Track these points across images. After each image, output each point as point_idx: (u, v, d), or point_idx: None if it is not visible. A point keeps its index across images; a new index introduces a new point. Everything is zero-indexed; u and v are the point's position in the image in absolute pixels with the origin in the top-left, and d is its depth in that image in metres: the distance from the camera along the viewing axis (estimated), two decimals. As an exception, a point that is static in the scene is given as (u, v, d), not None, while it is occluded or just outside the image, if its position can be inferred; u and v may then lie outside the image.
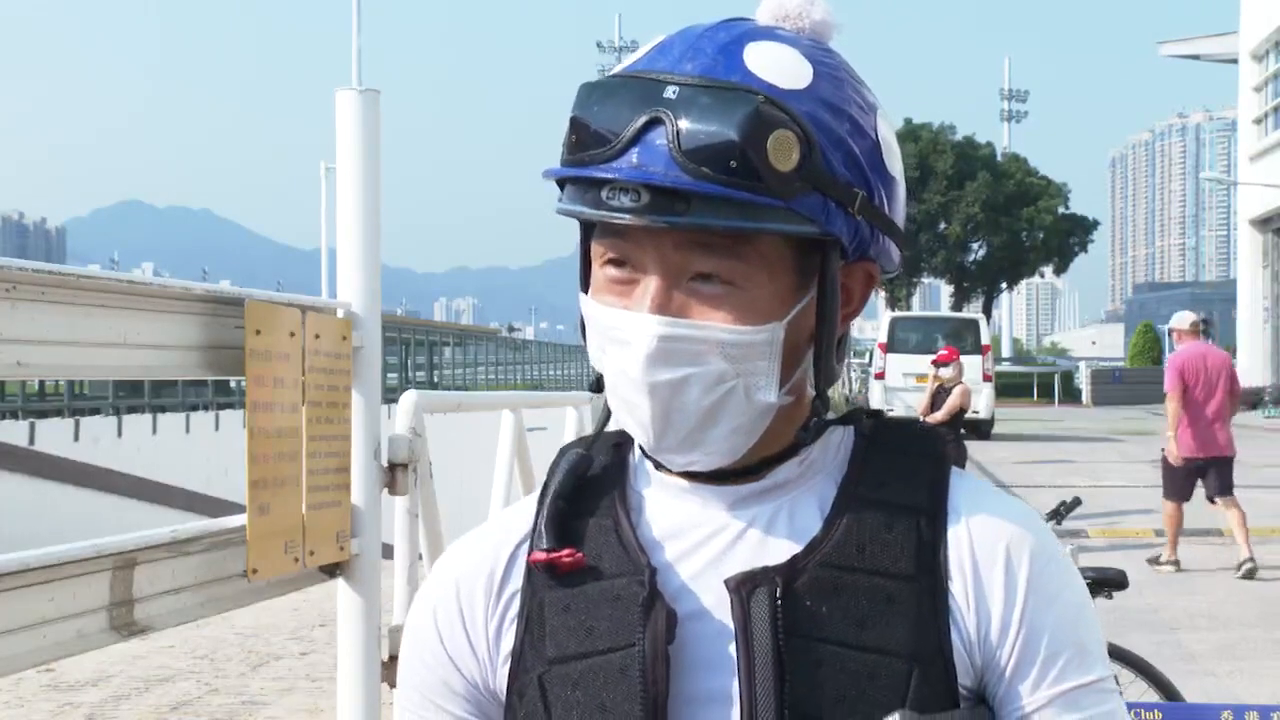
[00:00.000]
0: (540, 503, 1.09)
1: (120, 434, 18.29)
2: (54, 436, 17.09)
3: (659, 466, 1.08)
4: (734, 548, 1.04)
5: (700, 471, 1.04)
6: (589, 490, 1.09)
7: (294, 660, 6.55)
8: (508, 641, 1.07)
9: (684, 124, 0.95)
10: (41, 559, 2.02)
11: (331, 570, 2.83)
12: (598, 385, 1.09)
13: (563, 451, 1.12)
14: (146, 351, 2.23)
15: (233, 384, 19.81)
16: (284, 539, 2.53)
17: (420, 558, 3.51)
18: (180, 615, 2.41)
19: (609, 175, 0.97)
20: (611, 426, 1.12)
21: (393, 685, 3.12)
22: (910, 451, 1.08)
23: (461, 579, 1.11)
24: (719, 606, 1.01)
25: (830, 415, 1.09)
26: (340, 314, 2.84)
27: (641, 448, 1.10)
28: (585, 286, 1.06)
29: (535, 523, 1.08)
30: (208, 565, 2.44)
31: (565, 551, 1.04)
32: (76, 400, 21.11)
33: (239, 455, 2.46)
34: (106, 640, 2.20)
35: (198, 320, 2.35)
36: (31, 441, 16.58)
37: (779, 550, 1.03)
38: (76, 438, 17.24)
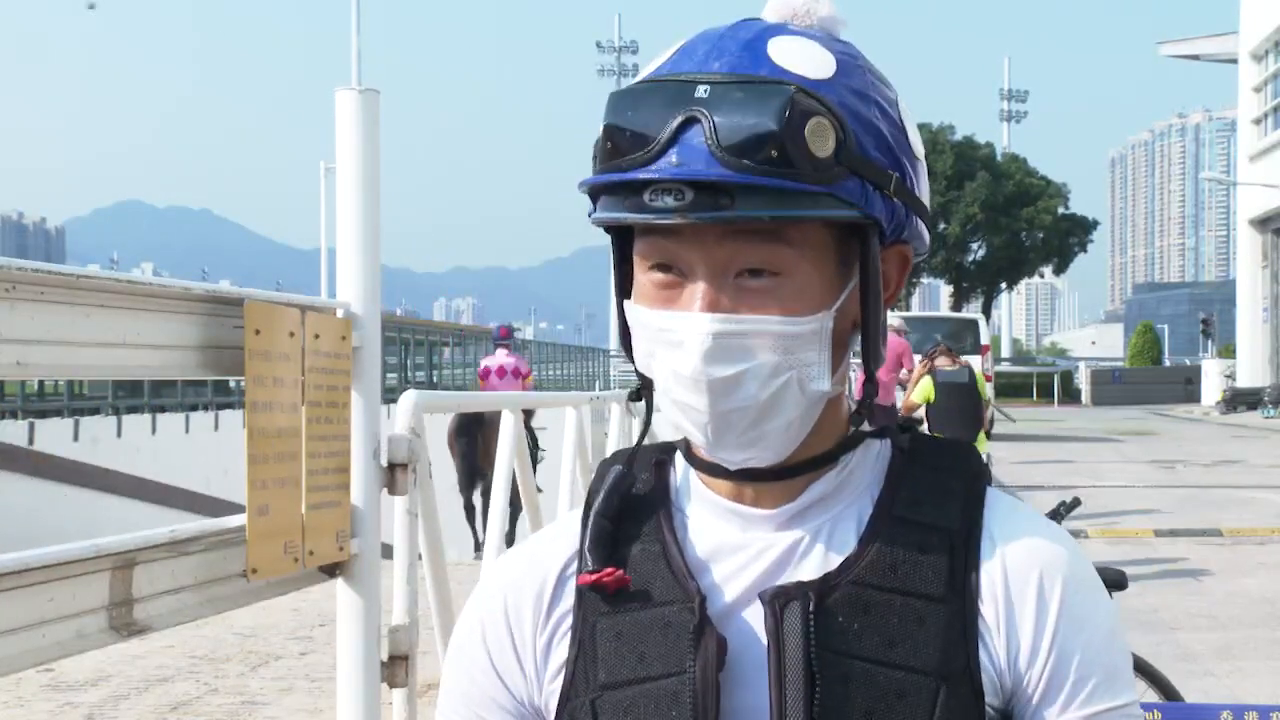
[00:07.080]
0: (584, 521, 1.09)
1: (120, 434, 18.25)
2: (54, 436, 17.05)
3: (710, 471, 1.08)
4: (776, 568, 1.05)
5: (754, 469, 1.05)
6: (632, 510, 1.10)
7: (294, 660, 6.54)
8: (556, 658, 1.08)
9: (720, 120, 0.96)
10: (41, 559, 2.02)
11: (331, 570, 2.83)
12: (637, 394, 1.09)
13: (604, 467, 1.12)
14: (146, 351, 2.23)
15: (232, 384, 19.78)
16: (284, 539, 2.53)
17: (420, 557, 3.51)
18: (180, 615, 2.41)
19: (651, 176, 0.97)
20: (661, 432, 1.12)
21: (392, 685, 3.13)
22: (947, 470, 1.09)
23: (510, 595, 1.12)
24: (760, 626, 1.02)
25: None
26: (340, 314, 2.84)
27: (688, 459, 1.11)
28: (624, 295, 1.06)
29: (581, 542, 1.08)
30: (207, 565, 2.44)
31: (606, 571, 1.05)
32: (76, 400, 21.05)
33: (239, 455, 2.46)
34: (106, 640, 2.20)
35: (197, 320, 2.35)
36: (31, 441, 16.54)
37: (818, 569, 1.04)
38: (76, 438, 17.21)
